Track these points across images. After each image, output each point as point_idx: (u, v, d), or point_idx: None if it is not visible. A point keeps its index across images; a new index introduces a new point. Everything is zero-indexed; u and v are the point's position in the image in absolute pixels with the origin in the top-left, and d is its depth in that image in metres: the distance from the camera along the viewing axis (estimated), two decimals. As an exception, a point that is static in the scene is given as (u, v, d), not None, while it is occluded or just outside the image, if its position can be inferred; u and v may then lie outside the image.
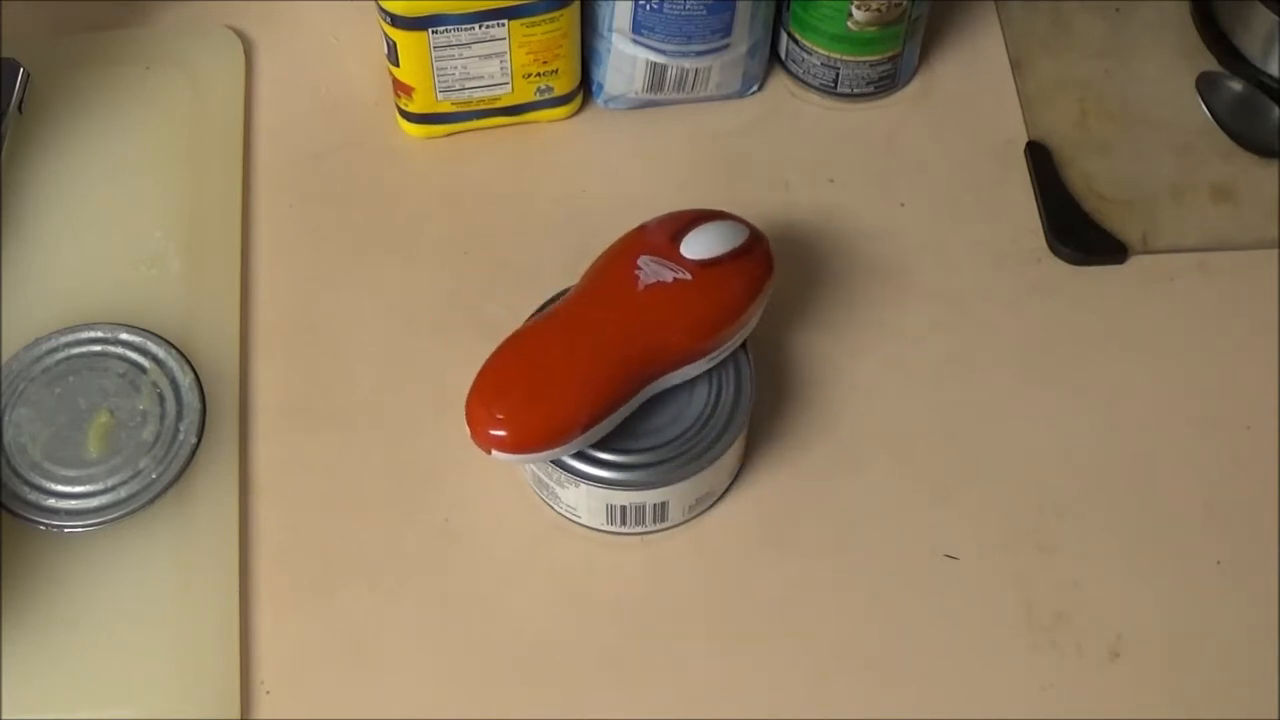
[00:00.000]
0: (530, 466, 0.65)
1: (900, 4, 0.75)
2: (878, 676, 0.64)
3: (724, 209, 0.67)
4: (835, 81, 0.79)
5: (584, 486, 0.63)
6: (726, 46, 0.75)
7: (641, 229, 0.65)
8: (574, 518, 0.66)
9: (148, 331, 0.70)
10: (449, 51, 0.73)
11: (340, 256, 0.74)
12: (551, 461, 0.62)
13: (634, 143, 0.78)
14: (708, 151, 0.78)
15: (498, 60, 0.74)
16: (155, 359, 0.69)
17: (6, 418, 0.68)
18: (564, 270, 0.66)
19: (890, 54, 0.78)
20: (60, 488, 0.66)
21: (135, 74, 0.79)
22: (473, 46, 0.73)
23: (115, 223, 0.74)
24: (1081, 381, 0.71)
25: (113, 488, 0.66)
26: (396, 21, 0.71)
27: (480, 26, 0.72)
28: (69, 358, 0.69)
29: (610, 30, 0.75)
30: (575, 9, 0.73)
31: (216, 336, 0.71)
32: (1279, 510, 0.67)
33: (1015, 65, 0.82)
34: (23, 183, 0.75)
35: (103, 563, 0.65)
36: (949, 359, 0.72)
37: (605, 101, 0.79)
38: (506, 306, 0.68)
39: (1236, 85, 0.80)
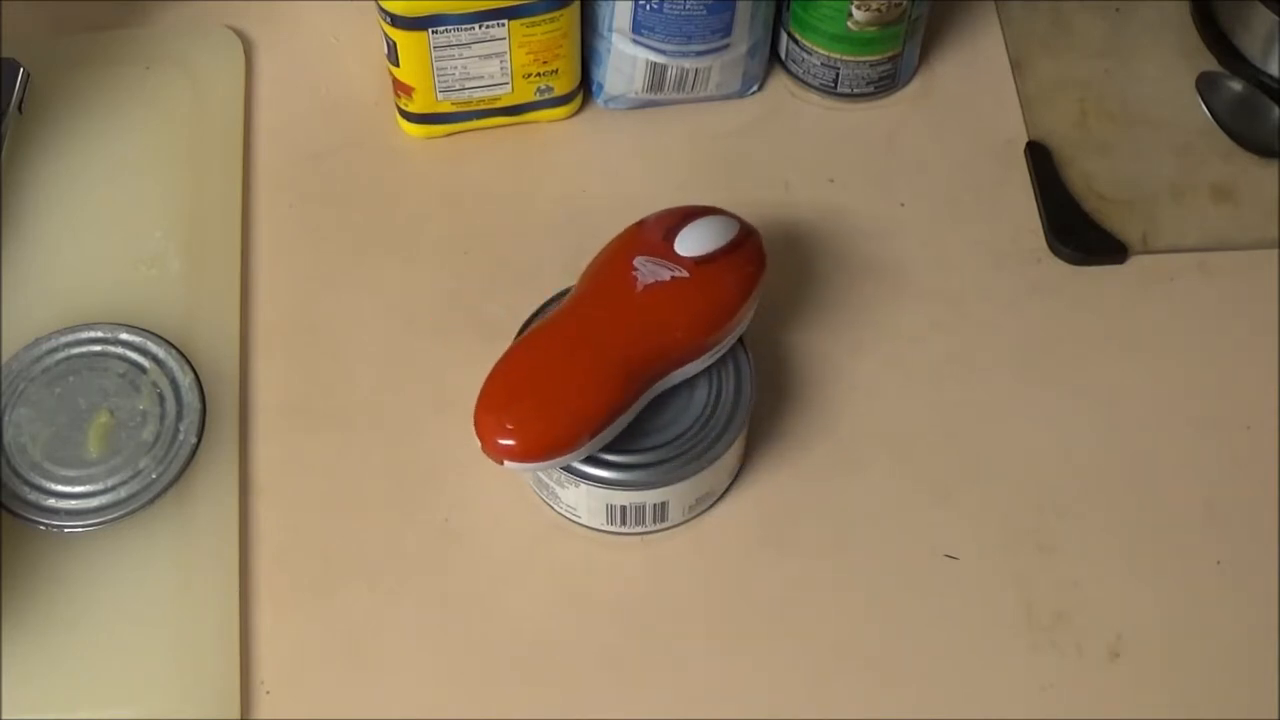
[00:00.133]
0: (530, 466, 0.66)
1: (900, 4, 0.75)
2: (878, 676, 0.64)
3: (719, 206, 0.67)
4: (835, 81, 0.79)
5: (584, 486, 0.63)
6: (726, 46, 0.75)
7: (634, 229, 0.65)
8: (574, 518, 0.66)
9: (148, 331, 0.70)
10: (449, 51, 0.73)
11: (340, 256, 0.74)
12: (552, 462, 0.62)
13: (634, 143, 0.78)
14: (708, 151, 0.78)
15: (498, 60, 0.74)
16: (155, 359, 0.69)
17: (6, 418, 0.68)
18: (564, 270, 0.66)
19: (890, 54, 0.78)
20: (60, 488, 0.66)
21: (135, 74, 0.79)
22: (473, 46, 0.73)
23: (115, 223, 0.74)
24: (1081, 381, 0.71)
25: (113, 488, 0.66)
26: (396, 21, 0.71)
27: (480, 26, 0.72)
28: (69, 358, 0.69)
29: (610, 30, 0.75)
30: (575, 9, 0.73)
31: (216, 336, 0.71)
32: (1279, 510, 0.67)
33: (1015, 65, 0.82)
34: (23, 183, 0.75)
35: (103, 563, 0.65)
36: (949, 359, 0.72)
37: (605, 101, 0.79)
38: (506, 306, 0.68)
39: (1236, 85, 0.80)
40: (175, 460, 0.67)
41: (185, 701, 0.61)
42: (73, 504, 0.66)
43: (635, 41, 0.75)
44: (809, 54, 0.78)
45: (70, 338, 0.70)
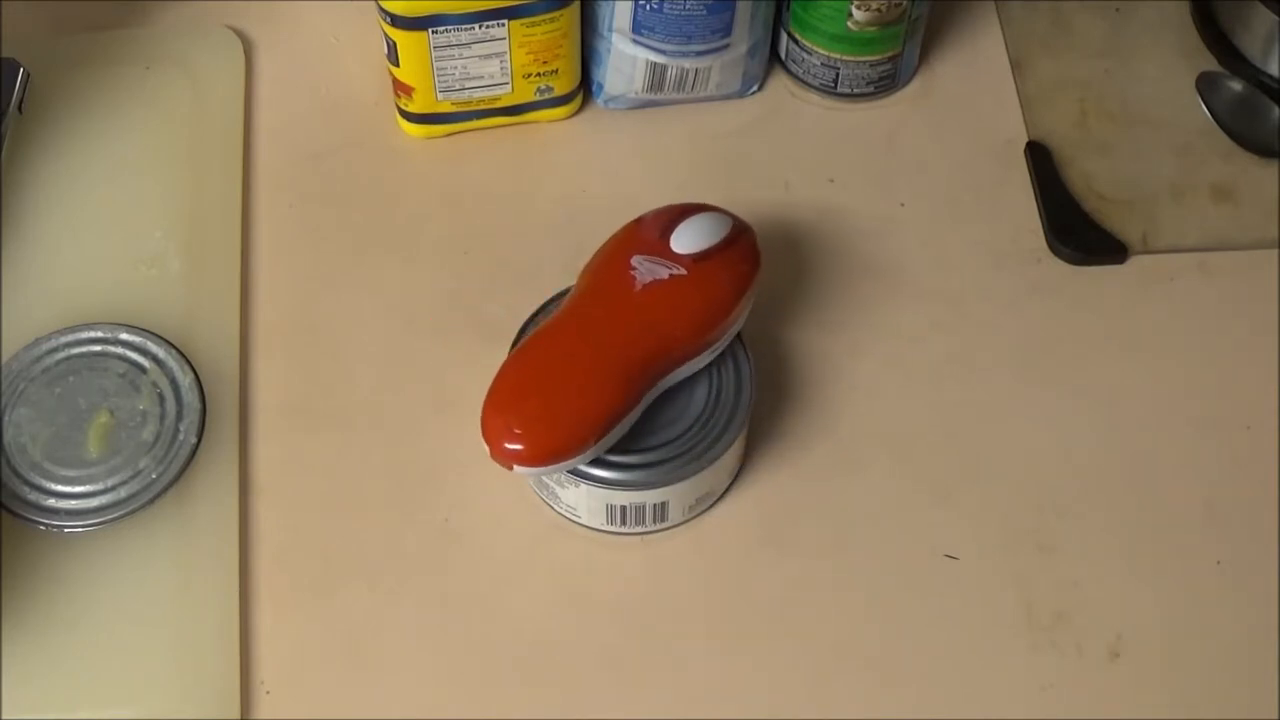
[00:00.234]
0: (530, 466, 0.66)
1: (900, 4, 0.75)
2: (878, 676, 0.64)
3: (716, 205, 0.67)
4: (835, 81, 0.79)
5: (584, 486, 0.63)
6: (726, 46, 0.75)
7: (629, 229, 0.65)
8: (574, 518, 0.66)
9: (148, 331, 0.70)
10: (449, 51, 0.73)
11: (340, 256, 0.74)
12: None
13: (634, 143, 0.78)
14: (708, 151, 0.78)
15: (498, 60, 0.74)
16: (155, 359, 0.69)
17: (6, 418, 0.68)
18: (564, 270, 0.66)
19: (890, 54, 0.78)
20: (60, 488, 0.66)
21: (135, 74, 0.79)
22: (473, 46, 0.73)
23: (115, 223, 0.74)
24: (1081, 381, 0.71)
25: (113, 488, 0.66)
26: (396, 21, 0.71)
27: (480, 26, 0.72)
28: (69, 358, 0.69)
29: (610, 30, 0.75)
30: (575, 9, 0.73)
31: (216, 336, 0.71)
32: (1279, 510, 0.67)
33: (1015, 65, 0.82)
34: (23, 183, 0.75)
35: (103, 563, 0.65)
36: (949, 359, 0.72)
37: (605, 101, 0.79)
38: (506, 306, 0.68)
39: (1236, 85, 0.80)
40: (175, 460, 0.67)
41: (185, 701, 0.61)
42: (73, 504, 0.66)
43: (635, 41, 0.75)
44: (809, 54, 0.78)
45: (70, 338, 0.70)
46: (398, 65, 0.74)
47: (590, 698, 0.63)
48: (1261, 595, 0.65)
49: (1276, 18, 0.78)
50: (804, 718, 0.63)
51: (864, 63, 0.78)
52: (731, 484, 0.68)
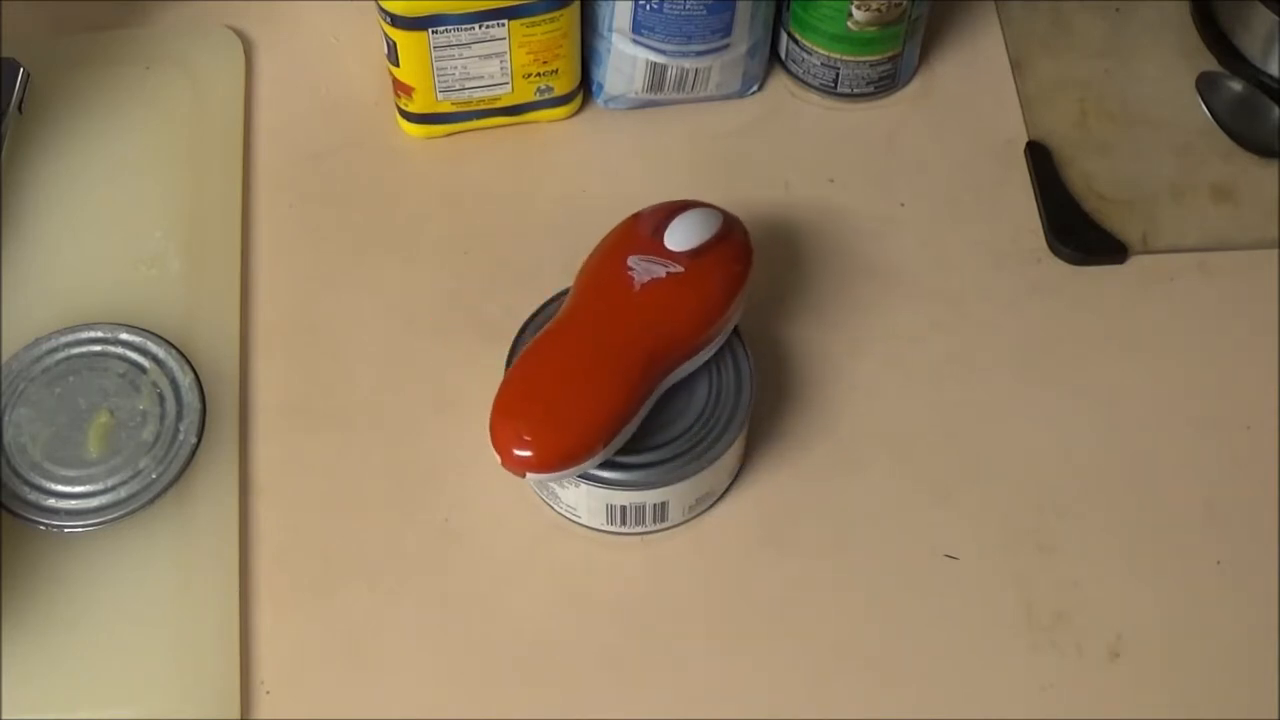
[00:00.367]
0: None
1: (900, 4, 0.75)
2: (878, 676, 0.64)
3: (704, 200, 0.67)
4: (835, 81, 0.79)
5: (584, 486, 0.63)
6: (726, 46, 0.75)
7: (622, 229, 0.65)
8: (574, 518, 0.66)
9: (148, 331, 0.70)
10: (449, 51, 0.73)
11: (340, 256, 0.74)
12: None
13: (634, 143, 0.78)
14: (708, 151, 0.78)
15: (498, 60, 0.74)
16: (155, 359, 0.69)
17: (6, 418, 0.68)
18: (564, 270, 0.66)
19: (890, 54, 0.78)
20: (60, 488, 0.66)
21: (135, 74, 0.79)
22: (473, 46, 0.73)
23: (115, 223, 0.74)
24: (1081, 381, 0.71)
25: (113, 488, 0.66)
26: (396, 21, 0.71)
27: (480, 26, 0.72)
28: (69, 358, 0.69)
29: (610, 30, 0.75)
30: (575, 9, 0.73)
31: (216, 336, 0.71)
32: (1279, 510, 0.67)
33: (1015, 65, 0.82)
34: (23, 183, 0.75)
35: (103, 563, 0.65)
36: (949, 359, 0.72)
37: (605, 101, 0.79)
38: (506, 306, 0.68)
39: (1236, 85, 0.80)
40: (175, 460, 0.67)
41: (185, 701, 0.61)
42: (73, 504, 0.66)
43: (635, 41, 0.75)
44: (809, 54, 0.78)
45: (70, 338, 0.70)
46: (398, 65, 0.74)
47: (590, 698, 0.63)
48: (1261, 595, 0.65)
49: (1276, 18, 0.78)
50: (804, 718, 0.63)
51: (864, 63, 0.78)
52: (731, 484, 0.68)
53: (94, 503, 0.66)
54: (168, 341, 0.70)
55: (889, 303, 0.73)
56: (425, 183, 0.77)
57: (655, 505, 0.64)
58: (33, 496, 0.66)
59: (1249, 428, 0.70)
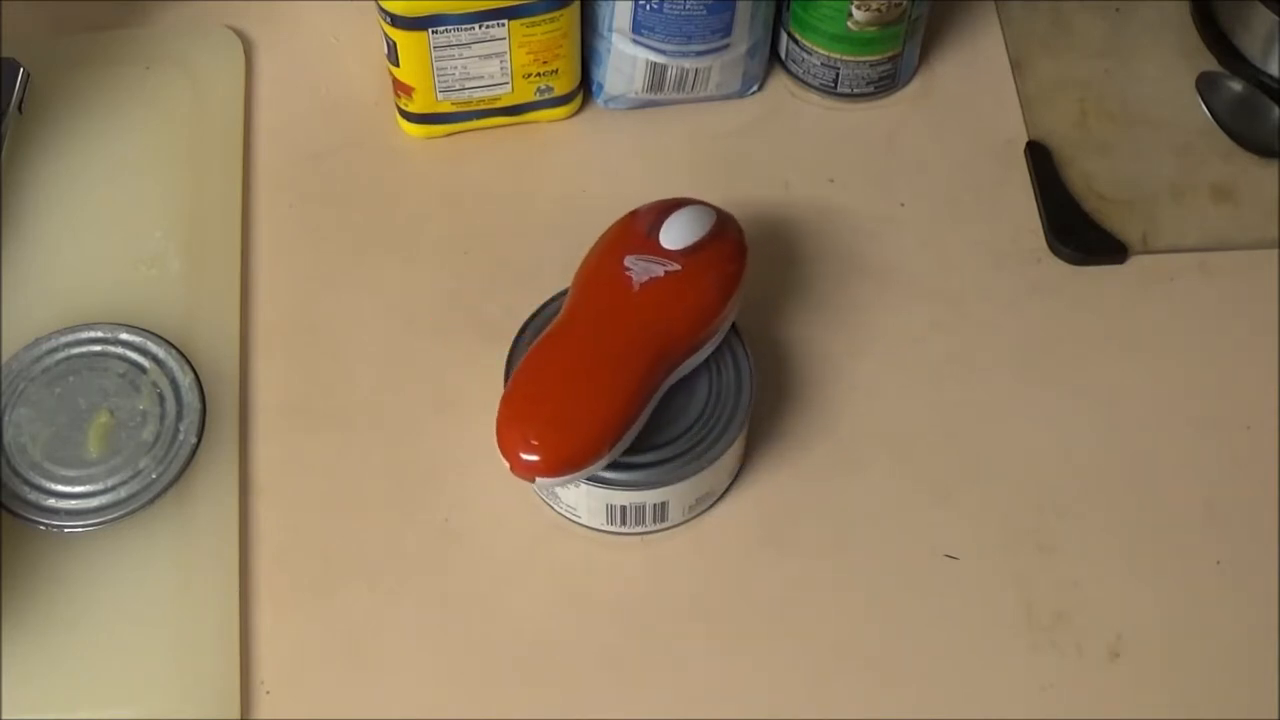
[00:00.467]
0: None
1: (900, 4, 0.75)
2: (878, 676, 0.64)
3: (708, 201, 0.67)
4: (835, 81, 0.79)
5: (584, 486, 0.63)
6: (726, 46, 0.75)
7: (616, 232, 0.65)
8: (574, 518, 0.66)
9: (148, 331, 0.70)
10: (449, 51, 0.73)
11: (340, 256, 0.74)
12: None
13: (634, 143, 0.78)
14: (708, 151, 0.78)
15: (498, 60, 0.74)
16: (155, 359, 0.69)
17: (6, 418, 0.68)
18: (564, 270, 0.66)
19: (890, 54, 0.78)
20: (60, 488, 0.66)
21: (135, 74, 0.79)
22: (473, 46, 0.73)
23: (115, 223, 0.74)
24: (1081, 381, 0.71)
25: (113, 488, 0.66)
26: (396, 21, 0.71)
27: (480, 26, 0.72)
28: (69, 358, 0.69)
29: (610, 30, 0.75)
30: (575, 9, 0.73)
31: (216, 336, 0.71)
32: (1279, 510, 0.67)
33: (1015, 65, 0.82)
34: (23, 183, 0.75)
35: (103, 563, 0.65)
36: (949, 359, 0.72)
37: (605, 101, 0.79)
38: (506, 306, 0.68)
39: (1236, 85, 0.80)
40: (175, 460, 0.67)
41: (185, 701, 0.61)
42: (73, 504, 0.66)
43: (635, 41, 0.75)
44: (809, 54, 0.78)
45: (70, 338, 0.70)
46: (398, 65, 0.74)
47: (590, 698, 0.63)
48: (1261, 595, 0.65)
49: (1276, 18, 0.78)
50: (804, 718, 0.63)
51: (864, 63, 0.78)
52: (731, 484, 0.68)
53: (94, 503, 0.66)
54: (168, 341, 0.70)
55: (889, 303, 0.73)
56: (425, 183, 0.77)
57: (655, 505, 0.64)
58: (33, 496, 0.66)
59: (1249, 428, 0.70)
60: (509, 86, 0.76)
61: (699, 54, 0.75)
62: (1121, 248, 0.75)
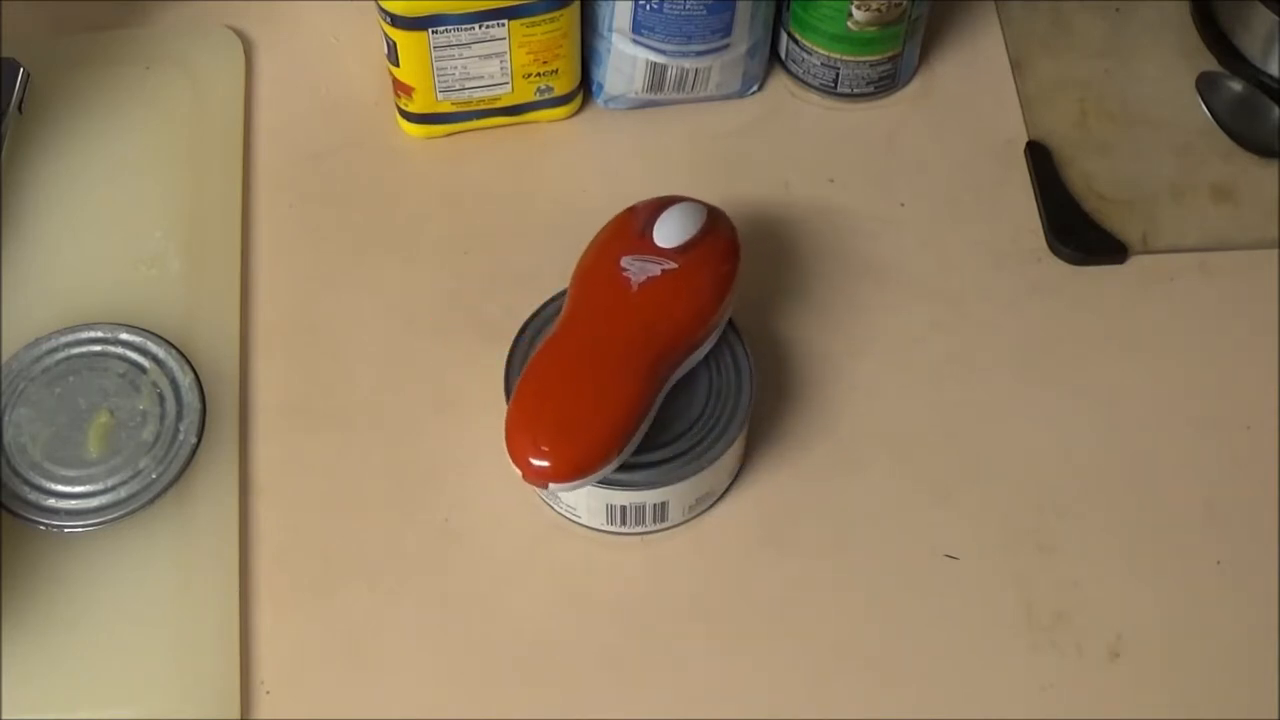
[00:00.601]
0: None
1: (900, 4, 0.75)
2: (878, 676, 0.64)
3: (685, 195, 0.67)
4: (835, 81, 0.79)
5: (584, 486, 0.63)
6: (726, 46, 0.75)
7: (609, 234, 0.65)
8: (574, 518, 0.66)
9: (148, 331, 0.70)
10: (449, 51, 0.73)
11: (340, 256, 0.74)
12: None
13: (634, 143, 0.78)
14: (708, 151, 0.78)
15: (498, 60, 0.74)
16: (155, 359, 0.69)
17: (6, 418, 0.68)
18: (564, 270, 0.66)
19: (890, 54, 0.78)
20: (60, 488, 0.66)
21: (135, 74, 0.79)
22: (473, 46, 0.73)
23: (115, 223, 0.74)
24: (1081, 381, 0.71)
25: (113, 488, 0.66)
26: (396, 21, 0.71)
27: (480, 26, 0.72)
28: (69, 358, 0.69)
29: (610, 30, 0.75)
30: (575, 9, 0.73)
31: (216, 336, 0.71)
32: (1279, 510, 0.67)
33: (1015, 65, 0.82)
34: (23, 183, 0.75)
35: (103, 563, 0.65)
36: (949, 359, 0.72)
37: (605, 101, 0.79)
38: (506, 306, 0.68)
39: (1236, 85, 0.80)
40: (175, 460, 0.67)
41: (185, 701, 0.61)
42: (73, 504, 0.66)
43: (635, 41, 0.75)
44: (809, 54, 0.78)
45: (70, 338, 0.70)
46: (398, 65, 0.74)
47: (590, 698, 0.63)
48: (1261, 595, 0.65)
49: (1276, 18, 0.78)
50: (804, 718, 0.63)
51: (864, 63, 0.78)
52: (731, 484, 0.68)
53: (94, 503, 0.66)
54: (168, 341, 0.70)
55: (889, 303, 0.73)
56: (425, 183, 0.77)
57: (655, 505, 0.64)
58: (33, 496, 0.66)
59: (1249, 428, 0.70)
60: (509, 86, 0.76)
61: (699, 54, 0.75)
62: (1121, 248, 0.75)
